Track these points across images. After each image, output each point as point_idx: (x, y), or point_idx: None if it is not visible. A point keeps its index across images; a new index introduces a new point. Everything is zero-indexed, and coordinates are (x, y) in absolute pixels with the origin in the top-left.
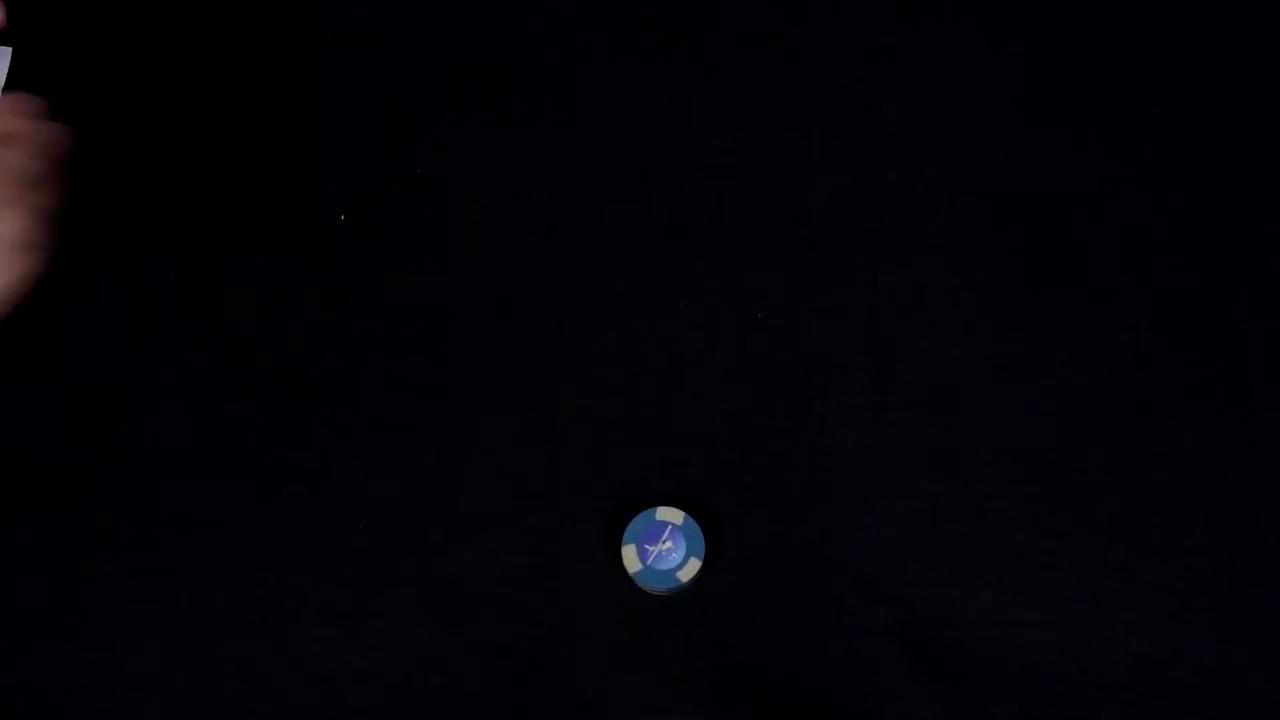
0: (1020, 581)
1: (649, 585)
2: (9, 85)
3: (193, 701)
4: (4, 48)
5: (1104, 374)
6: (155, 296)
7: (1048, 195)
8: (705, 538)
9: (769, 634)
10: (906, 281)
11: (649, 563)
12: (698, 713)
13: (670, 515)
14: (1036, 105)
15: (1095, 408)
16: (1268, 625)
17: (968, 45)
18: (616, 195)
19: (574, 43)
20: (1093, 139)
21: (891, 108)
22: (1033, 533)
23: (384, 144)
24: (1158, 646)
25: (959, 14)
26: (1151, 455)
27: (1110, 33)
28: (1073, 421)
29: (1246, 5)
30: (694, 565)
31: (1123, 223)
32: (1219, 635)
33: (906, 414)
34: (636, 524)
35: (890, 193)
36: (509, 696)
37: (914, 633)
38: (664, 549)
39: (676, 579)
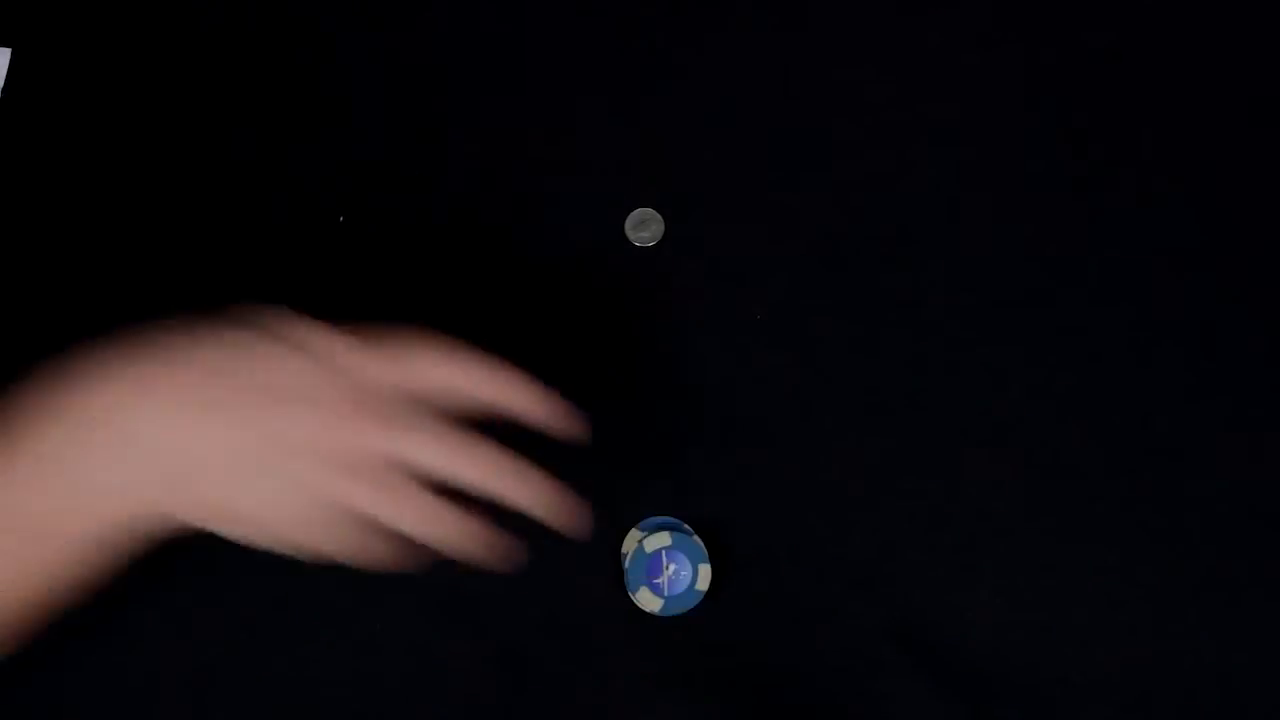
0: (1019, 583)
1: (677, 611)
2: (8, 85)
3: (192, 703)
4: (4, 48)
5: (1103, 375)
6: (155, 296)
7: (1048, 195)
8: (702, 540)
9: (769, 634)
10: (906, 282)
11: (666, 594)
12: (697, 713)
13: (658, 541)
14: (1036, 105)
15: (1094, 409)
16: (1267, 627)
17: (968, 45)
18: (615, 195)
19: (574, 42)
20: (1093, 139)
21: (891, 108)
22: (1032, 534)
23: (384, 144)
24: (1157, 648)
25: (959, 14)
26: (1151, 457)
27: (1110, 32)
28: (1072, 422)
29: (1247, 5)
30: (706, 572)
31: (1122, 223)
32: (1219, 637)
33: (906, 415)
34: (633, 567)
35: (890, 193)
36: (508, 698)
37: (914, 633)
38: (671, 574)
39: (698, 592)
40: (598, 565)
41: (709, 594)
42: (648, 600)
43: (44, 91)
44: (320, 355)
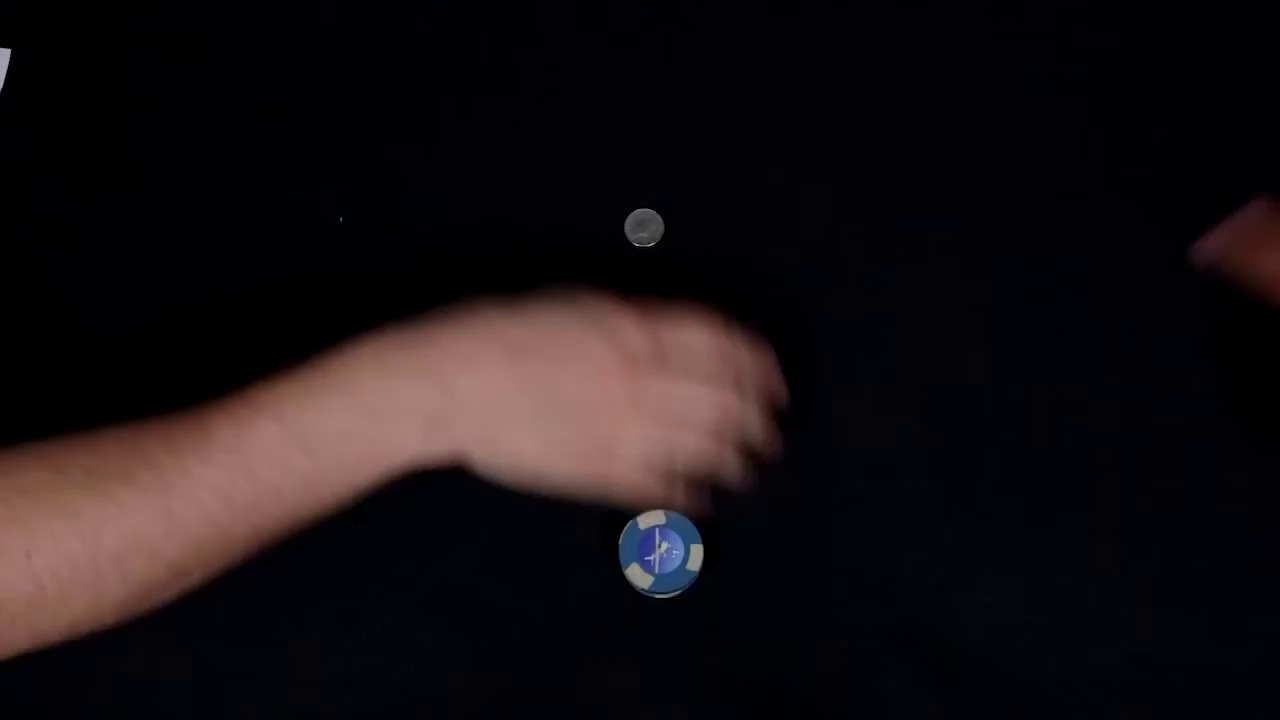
0: (1019, 583)
1: (667, 591)
2: (8, 85)
3: (192, 704)
4: (4, 48)
5: (1103, 375)
6: (155, 296)
7: (1049, 195)
8: (697, 526)
9: (769, 634)
10: (907, 282)
11: (657, 571)
12: (697, 712)
13: (653, 519)
14: (1036, 105)
15: (1095, 408)
16: (1268, 626)
17: (968, 44)
18: (616, 195)
19: (574, 42)
20: (1093, 139)
21: (891, 107)
22: (1032, 534)
23: (384, 144)
24: (1157, 647)
25: (959, 14)
26: (1150, 456)
27: (1110, 33)
28: (1072, 422)
29: (1247, 5)
30: (698, 552)
31: (1123, 223)
32: (1219, 635)
33: (906, 415)
34: (626, 543)
35: (890, 193)
36: (508, 698)
37: (913, 633)
38: (663, 553)
39: (689, 572)
40: (598, 565)
41: (708, 591)
42: (638, 576)
43: (44, 91)
44: (600, 321)
